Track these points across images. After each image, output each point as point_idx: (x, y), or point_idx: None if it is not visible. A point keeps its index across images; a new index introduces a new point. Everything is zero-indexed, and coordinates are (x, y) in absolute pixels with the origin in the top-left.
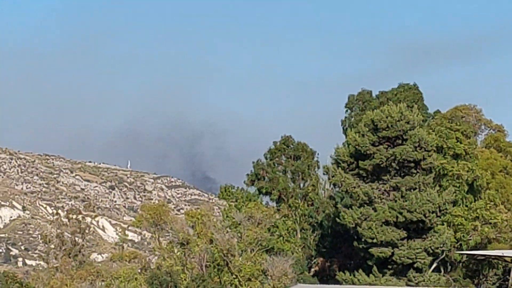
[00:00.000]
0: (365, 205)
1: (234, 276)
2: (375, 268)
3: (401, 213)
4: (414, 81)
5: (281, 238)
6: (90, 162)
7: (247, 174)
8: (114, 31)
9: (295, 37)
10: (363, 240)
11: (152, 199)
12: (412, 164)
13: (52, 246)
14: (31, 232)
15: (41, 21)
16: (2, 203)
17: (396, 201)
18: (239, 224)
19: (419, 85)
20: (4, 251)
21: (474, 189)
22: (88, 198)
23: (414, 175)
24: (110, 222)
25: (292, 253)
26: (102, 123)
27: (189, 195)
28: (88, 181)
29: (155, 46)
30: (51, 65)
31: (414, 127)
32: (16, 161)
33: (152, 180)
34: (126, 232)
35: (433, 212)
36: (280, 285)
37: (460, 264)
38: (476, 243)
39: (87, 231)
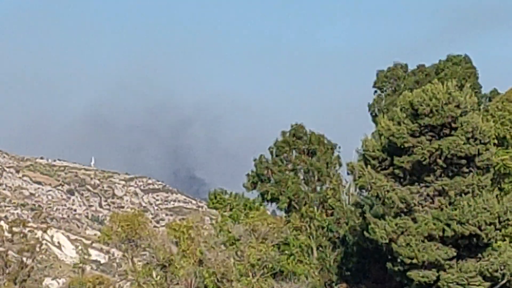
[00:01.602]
0: (402, 215)
1: None
2: None
3: (449, 225)
4: (464, 53)
5: (292, 258)
6: (41, 158)
7: (247, 175)
8: None
9: None
10: (399, 260)
11: (123, 207)
12: (464, 161)
13: None
14: None
15: None
16: None
17: (442, 209)
18: (238, 239)
19: (471, 57)
20: None
21: None
22: (39, 205)
23: (466, 175)
24: (68, 237)
25: (307, 278)
26: (58, 108)
27: (172, 202)
28: (39, 183)
29: (129, 8)
30: None
31: (466, 112)
32: None
33: (123, 183)
34: (89, 250)
35: (491, 223)
36: None
37: None
38: None
39: (38, 249)
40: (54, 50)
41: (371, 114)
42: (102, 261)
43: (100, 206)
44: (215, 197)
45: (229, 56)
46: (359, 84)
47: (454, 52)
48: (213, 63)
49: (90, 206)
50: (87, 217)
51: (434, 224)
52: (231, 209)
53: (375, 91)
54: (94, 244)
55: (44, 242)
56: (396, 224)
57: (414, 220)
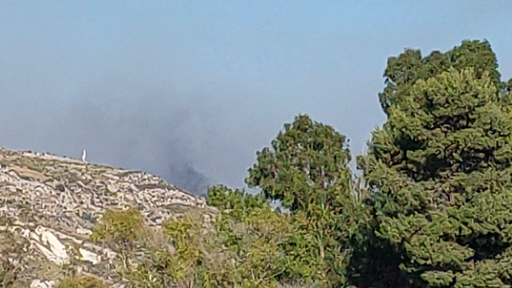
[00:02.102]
0: (416, 212)
1: None
2: None
3: (466, 224)
4: (483, 38)
5: (298, 258)
6: (29, 152)
7: (250, 170)
8: None
9: None
10: (412, 261)
11: (116, 204)
12: (482, 155)
13: None
14: None
15: None
16: None
17: (459, 206)
18: (240, 239)
19: (490, 43)
20: None
21: None
22: (26, 202)
23: (484, 169)
24: (58, 236)
25: (313, 280)
26: (46, 98)
27: (169, 199)
28: (26, 178)
29: None
30: None
31: (484, 102)
32: None
33: (116, 178)
34: (81, 250)
35: (511, 222)
36: None
37: None
38: None
39: (25, 249)
40: (40, 36)
41: (382, 104)
42: (94, 262)
43: (92, 203)
44: (215, 194)
45: (229, 43)
46: (369, 72)
47: (471, 38)
48: (212, 50)
49: (81, 203)
50: (78, 214)
51: (450, 222)
52: (232, 206)
53: (386, 80)
54: (85, 244)
55: (32, 241)
56: (409, 222)
57: (429, 218)
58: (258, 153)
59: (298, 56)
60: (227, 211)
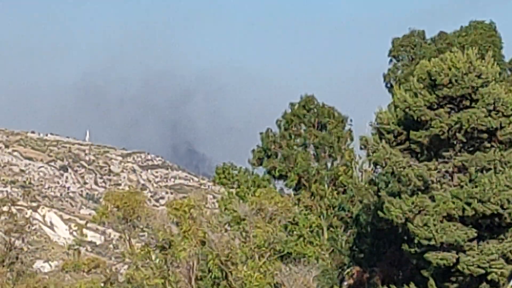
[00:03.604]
0: (419, 193)
1: None
2: (432, 281)
3: (469, 204)
4: (490, 18)
5: (302, 239)
6: (32, 133)
7: (253, 150)
8: None
9: None
10: (416, 241)
11: (120, 185)
12: (485, 135)
13: None
14: None
15: None
16: None
17: (462, 187)
18: (243, 219)
19: (496, 23)
20: None
21: None
22: (30, 183)
23: (487, 150)
24: (61, 216)
25: (317, 260)
26: (50, 79)
27: (172, 179)
28: (30, 159)
29: None
30: None
31: (487, 82)
32: None
33: (120, 158)
34: (84, 231)
35: None
36: None
37: None
38: None
39: (28, 229)
40: (43, 17)
41: (386, 85)
42: (98, 242)
43: (96, 183)
44: (223, 172)
45: (234, 22)
46: (374, 52)
47: (478, 18)
48: (217, 30)
49: (85, 183)
50: (81, 195)
51: (453, 202)
52: (238, 186)
53: (390, 60)
54: (89, 224)
55: (35, 222)
56: (412, 203)
57: (432, 198)
58: (261, 133)
59: (303, 37)
60: (233, 190)
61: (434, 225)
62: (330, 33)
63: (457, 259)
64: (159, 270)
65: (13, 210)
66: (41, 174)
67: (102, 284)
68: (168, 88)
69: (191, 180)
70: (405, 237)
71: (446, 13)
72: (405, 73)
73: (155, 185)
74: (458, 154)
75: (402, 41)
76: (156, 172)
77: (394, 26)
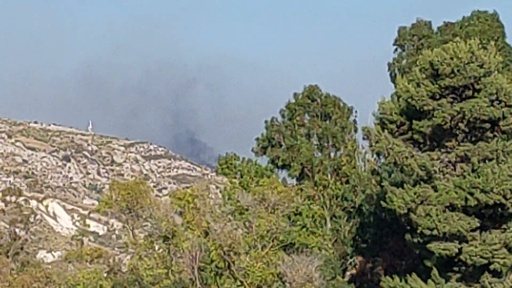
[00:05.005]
0: (422, 183)
1: (238, 283)
2: (435, 271)
3: (472, 194)
4: (493, 8)
5: (305, 229)
6: (35, 123)
7: (257, 139)
8: None
9: None
10: (418, 231)
11: (123, 175)
12: (488, 125)
13: None
14: None
15: None
16: None
17: (464, 177)
18: (246, 210)
19: (500, 13)
20: None
21: None
22: (33, 173)
23: (490, 140)
24: (64, 207)
25: (320, 250)
26: (53, 68)
27: (175, 169)
28: (33, 149)
29: None
30: None
31: (490, 72)
32: None
33: (122, 148)
34: (87, 221)
35: None
36: None
37: None
38: None
39: (32, 220)
40: (44, 6)
41: (390, 74)
42: (101, 232)
43: (98, 173)
44: (226, 162)
45: (236, 11)
46: (379, 42)
47: (482, 8)
48: (219, 18)
49: (88, 173)
50: (84, 185)
51: (456, 192)
52: (241, 176)
53: (396, 49)
54: (92, 215)
55: (38, 212)
56: (415, 193)
57: (435, 188)
58: (266, 122)
59: (307, 25)
60: (236, 180)
61: (437, 215)
62: (335, 21)
63: (460, 249)
64: (162, 260)
65: (19, 200)
66: (44, 164)
67: (105, 274)
68: (170, 78)
69: (194, 170)
70: (408, 227)
71: (454, 2)
72: (409, 63)
73: (158, 175)
74: (461, 144)
75: (408, 30)
76: (159, 162)
77: (400, 15)
